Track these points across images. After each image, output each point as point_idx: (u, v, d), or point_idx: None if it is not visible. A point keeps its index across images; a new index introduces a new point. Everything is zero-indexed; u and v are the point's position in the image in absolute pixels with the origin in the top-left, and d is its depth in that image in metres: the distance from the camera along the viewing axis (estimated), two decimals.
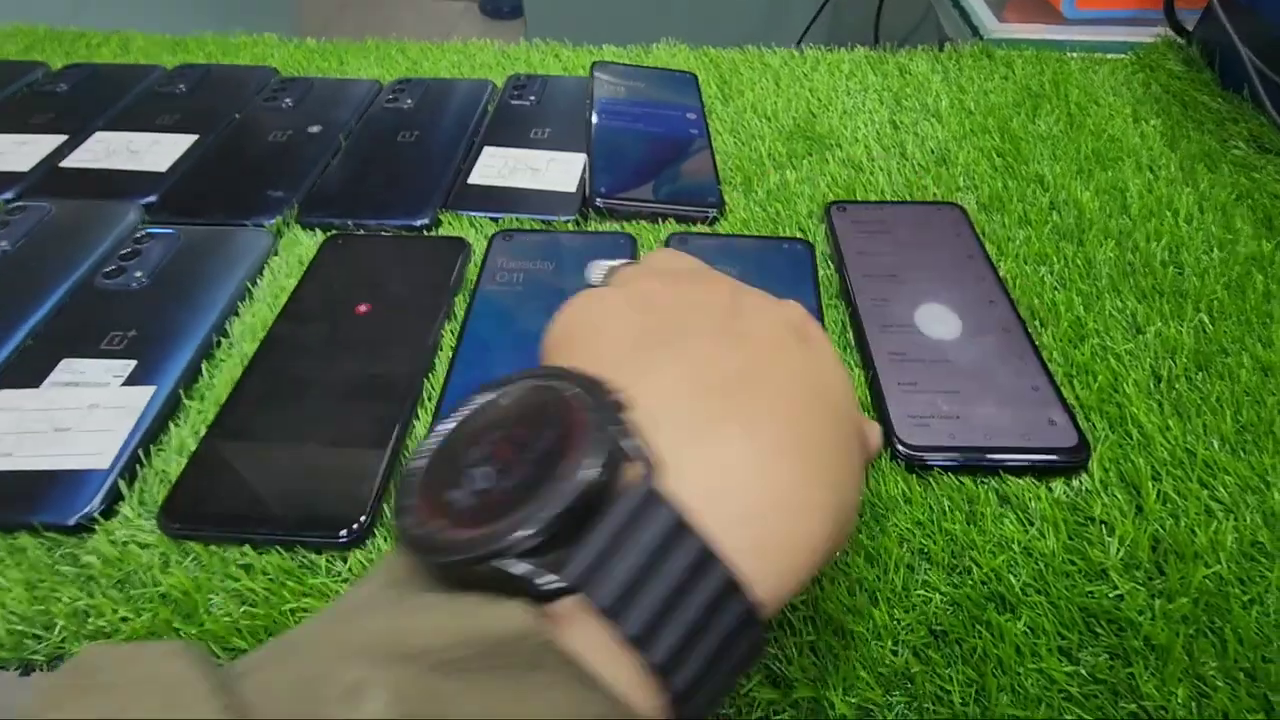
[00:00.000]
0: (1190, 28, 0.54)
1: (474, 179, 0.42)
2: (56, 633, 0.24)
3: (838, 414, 0.18)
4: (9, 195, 0.41)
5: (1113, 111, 0.49)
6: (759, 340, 0.18)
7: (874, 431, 0.21)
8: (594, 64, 0.52)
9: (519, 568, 0.13)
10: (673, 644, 0.13)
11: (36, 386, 0.30)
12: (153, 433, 0.29)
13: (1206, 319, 0.34)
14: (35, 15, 0.62)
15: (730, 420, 0.16)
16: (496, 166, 0.43)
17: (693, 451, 0.16)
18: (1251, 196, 0.41)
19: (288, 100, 0.49)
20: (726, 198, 0.42)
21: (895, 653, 0.24)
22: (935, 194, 0.42)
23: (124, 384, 0.31)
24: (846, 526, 0.17)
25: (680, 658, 0.13)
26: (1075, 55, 0.55)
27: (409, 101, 0.49)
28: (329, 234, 0.39)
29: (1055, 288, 0.36)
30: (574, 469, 0.14)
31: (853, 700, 0.23)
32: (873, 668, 0.23)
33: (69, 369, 0.31)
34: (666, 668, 0.13)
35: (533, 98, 0.50)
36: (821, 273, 0.37)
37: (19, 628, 0.24)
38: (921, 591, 0.25)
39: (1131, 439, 0.30)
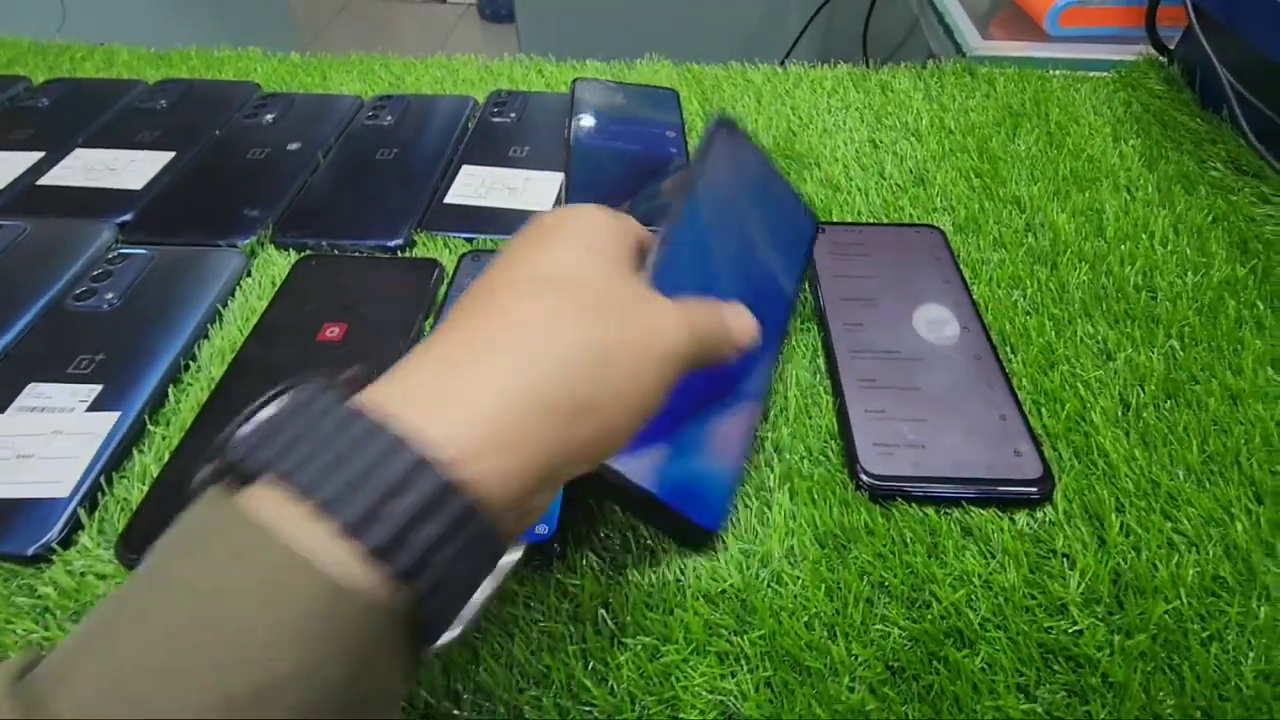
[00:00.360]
0: (1172, 46, 0.54)
1: (450, 198, 0.42)
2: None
3: (576, 289, 0.19)
4: None
5: (1093, 131, 0.49)
6: (503, 264, 0.20)
7: (733, 315, 0.23)
8: (574, 80, 0.52)
9: (206, 471, 0.16)
10: (365, 512, 0.14)
11: (2, 412, 0.30)
12: (116, 459, 0.29)
13: (1177, 345, 0.34)
14: (20, 27, 0.62)
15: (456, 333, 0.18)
16: (474, 185, 0.43)
17: (416, 363, 0.17)
18: (1227, 219, 0.41)
19: (268, 116, 0.49)
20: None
21: (852, 689, 0.24)
22: (912, 215, 0.42)
23: (89, 409, 0.30)
24: (604, 405, 0.18)
25: (379, 527, 0.14)
26: (1058, 73, 0.55)
27: (389, 118, 0.49)
28: (302, 255, 0.39)
29: (1027, 312, 0.36)
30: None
31: None
32: (829, 705, 0.23)
33: (34, 394, 0.31)
34: (360, 531, 0.14)
35: (513, 114, 0.50)
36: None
37: None
38: (880, 626, 0.25)
39: (1097, 469, 0.29)
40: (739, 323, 0.23)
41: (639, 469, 0.23)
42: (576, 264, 0.20)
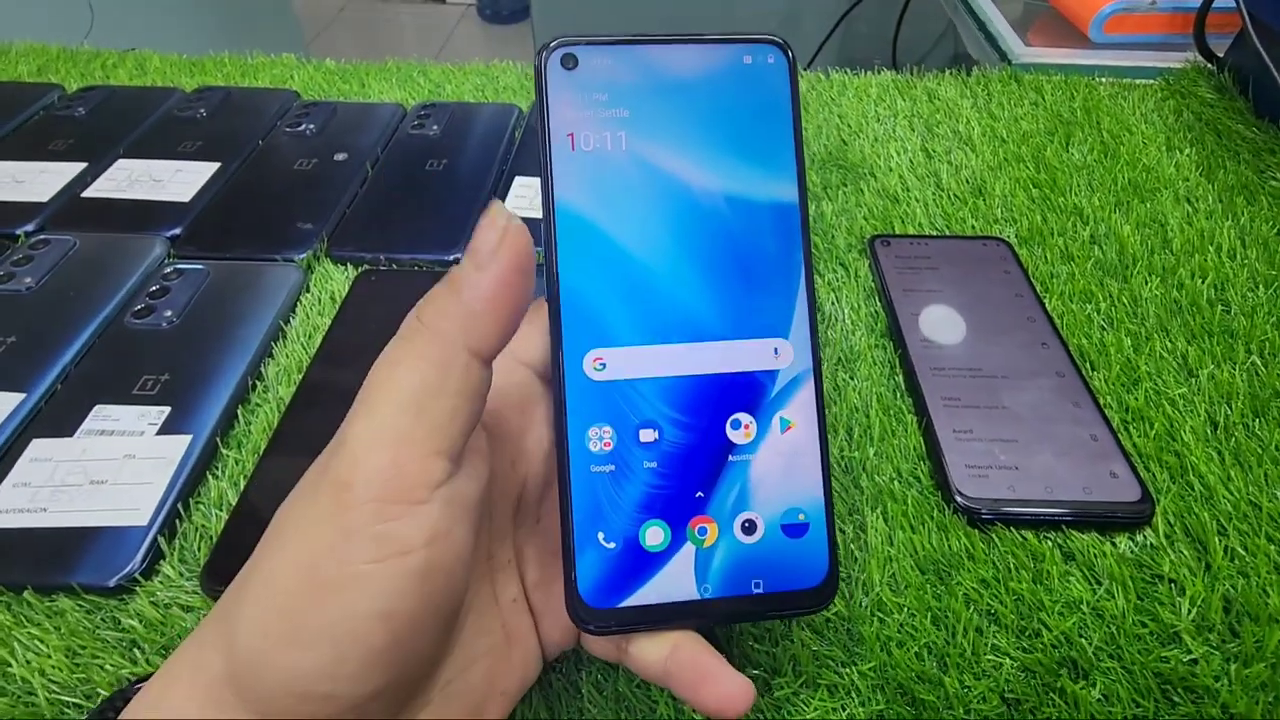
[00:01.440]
0: (1220, 54, 0.53)
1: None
2: (99, 703, 0.23)
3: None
4: (31, 227, 0.40)
5: (1146, 140, 0.48)
6: None
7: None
8: None
9: None
10: None
11: (70, 435, 0.29)
12: (191, 485, 0.28)
13: (1259, 361, 0.34)
14: (47, 34, 0.61)
15: None
16: (529, 197, 0.43)
17: None
18: None
19: (311, 126, 0.48)
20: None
21: None
22: (974, 227, 0.42)
23: (159, 432, 0.30)
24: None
25: None
26: (1104, 80, 0.54)
27: (435, 128, 0.48)
28: (361, 269, 0.38)
29: (1104, 327, 0.36)
30: None
31: None
32: None
33: (102, 416, 0.30)
34: None
35: None
36: (866, 310, 0.37)
37: (60, 697, 0.23)
38: (991, 656, 0.24)
39: (1194, 490, 0.29)
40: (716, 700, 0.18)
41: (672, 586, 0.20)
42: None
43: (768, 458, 0.20)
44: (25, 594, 0.25)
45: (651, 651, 0.19)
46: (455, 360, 0.17)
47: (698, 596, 0.20)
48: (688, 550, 0.20)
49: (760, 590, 0.20)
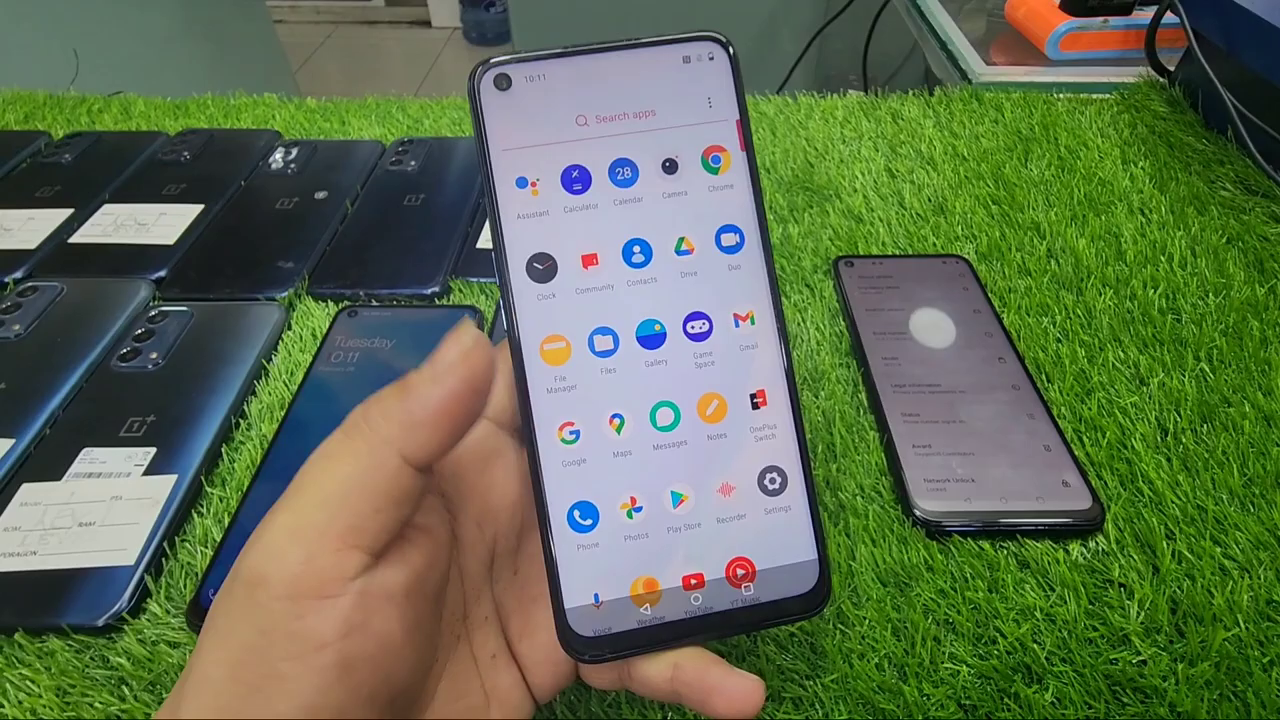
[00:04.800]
0: (1171, 68, 0.55)
1: (482, 243, 0.43)
2: None
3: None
4: (19, 274, 0.41)
5: (1102, 154, 0.50)
6: None
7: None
8: None
9: None
10: None
11: (58, 479, 0.30)
12: (176, 523, 0.29)
13: (1207, 368, 0.35)
14: (33, 81, 0.62)
15: None
16: None
17: None
18: (1242, 239, 0.42)
19: (292, 166, 0.49)
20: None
21: None
22: (935, 245, 0.43)
23: (145, 473, 0.31)
24: None
25: None
26: (1062, 96, 0.56)
27: (412, 163, 0.49)
28: (341, 306, 0.39)
29: (1059, 339, 0.37)
30: None
31: None
32: None
33: (90, 459, 0.31)
34: None
35: None
36: (831, 329, 0.38)
37: None
38: (949, 664, 0.25)
39: (1143, 496, 0.30)
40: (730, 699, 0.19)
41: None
42: None
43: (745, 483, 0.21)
44: (16, 636, 0.26)
45: (655, 673, 0.20)
46: (387, 463, 0.17)
47: (690, 613, 0.20)
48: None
49: (753, 599, 0.21)
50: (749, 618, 0.21)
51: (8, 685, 0.25)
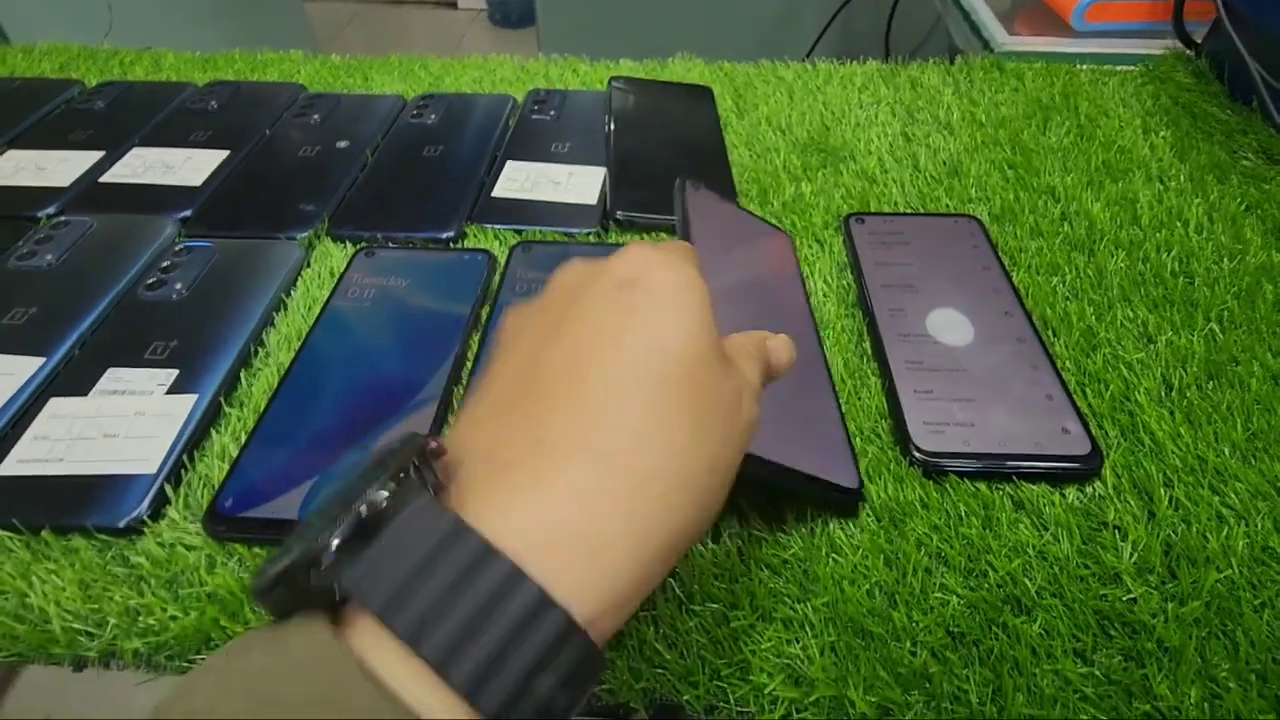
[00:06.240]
0: (1199, 40, 0.54)
1: (497, 192, 0.44)
2: (108, 630, 0.25)
3: (680, 376, 0.17)
4: (52, 210, 0.43)
5: (1122, 123, 0.50)
6: (579, 328, 0.18)
7: (776, 346, 0.22)
8: (611, 78, 0.54)
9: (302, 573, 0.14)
10: (472, 658, 0.13)
11: (85, 395, 0.32)
12: (196, 439, 0.31)
13: (1217, 328, 0.35)
14: (68, 34, 0.64)
15: (544, 447, 0.16)
16: (519, 180, 0.45)
17: (501, 481, 0.16)
18: (1261, 207, 0.42)
19: (315, 116, 0.50)
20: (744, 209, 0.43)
21: (914, 653, 0.25)
22: (948, 205, 0.43)
23: (167, 392, 0.32)
24: (703, 510, 0.17)
25: (483, 671, 0.13)
26: (1085, 67, 0.56)
27: (432, 117, 0.50)
28: (359, 246, 0.40)
29: (1067, 298, 0.37)
30: (367, 497, 0.15)
31: (873, 699, 0.24)
32: (892, 668, 0.24)
33: (115, 378, 0.32)
34: (457, 674, 0.13)
35: (552, 112, 0.51)
36: (838, 282, 0.38)
37: (73, 625, 0.25)
38: (939, 594, 0.26)
39: (1143, 446, 0.30)
40: (785, 354, 0.23)
41: (778, 449, 0.25)
42: (681, 349, 0.17)
43: None
44: (43, 534, 0.27)
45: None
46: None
47: None
48: None
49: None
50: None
51: (35, 578, 0.26)
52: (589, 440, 0.16)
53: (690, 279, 0.18)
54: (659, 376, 0.17)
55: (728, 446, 0.18)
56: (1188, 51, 0.55)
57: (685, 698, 0.24)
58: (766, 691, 0.24)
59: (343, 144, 0.48)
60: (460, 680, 0.13)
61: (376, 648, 0.14)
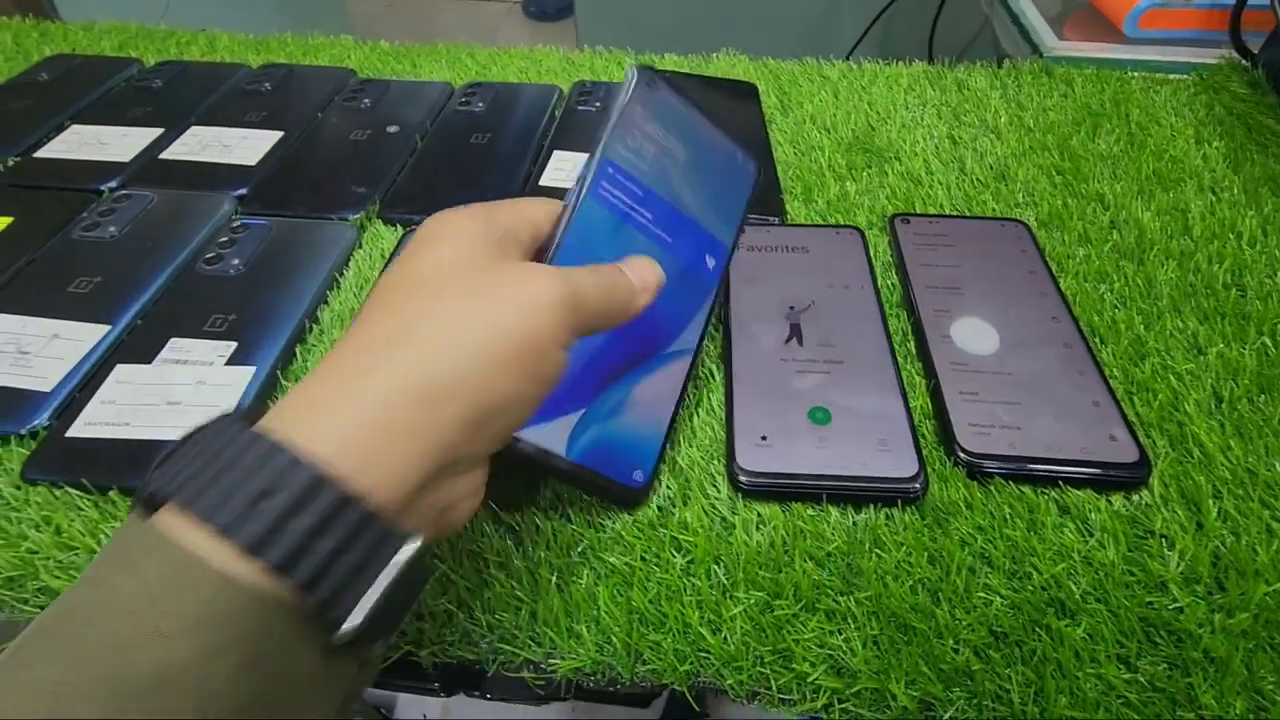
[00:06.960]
0: (1255, 50, 0.54)
1: (545, 181, 0.44)
2: None
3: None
4: (114, 183, 0.44)
5: (1174, 132, 0.49)
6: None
7: (610, 274, 0.23)
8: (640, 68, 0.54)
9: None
10: (237, 515, 0.16)
11: (149, 362, 0.33)
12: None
13: (1270, 342, 0.35)
14: (127, 14, 0.65)
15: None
16: (566, 170, 0.45)
17: (317, 373, 0.19)
18: None
19: (366, 100, 0.51)
20: (787, 207, 0.43)
21: (956, 651, 0.25)
22: (994, 209, 0.43)
23: (227, 363, 0.33)
24: (481, 411, 0.19)
25: (250, 525, 0.16)
26: (1136, 75, 0.55)
27: (480, 105, 0.51)
28: (409, 229, 0.41)
29: (1115, 306, 0.37)
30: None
31: (914, 694, 0.24)
32: (934, 663, 0.24)
33: (176, 348, 0.33)
34: (232, 531, 0.16)
35: (598, 104, 0.52)
36: (883, 281, 0.38)
37: None
38: (982, 594, 0.26)
39: (1192, 457, 0.30)
40: (639, 276, 0.24)
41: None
42: (448, 260, 0.21)
43: None
44: (111, 493, 0.28)
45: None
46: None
47: None
48: None
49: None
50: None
51: (103, 536, 0.27)
52: (373, 330, 0.20)
53: (459, 222, 0.22)
54: (433, 282, 0.21)
55: (519, 334, 0.20)
56: (1244, 61, 0.54)
57: (728, 682, 0.24)
58: (809, 680, 0.24)
59: (393, 129, 0.49)
60: (247, 542, 0.16)
61: (184, 528, 0.16)
